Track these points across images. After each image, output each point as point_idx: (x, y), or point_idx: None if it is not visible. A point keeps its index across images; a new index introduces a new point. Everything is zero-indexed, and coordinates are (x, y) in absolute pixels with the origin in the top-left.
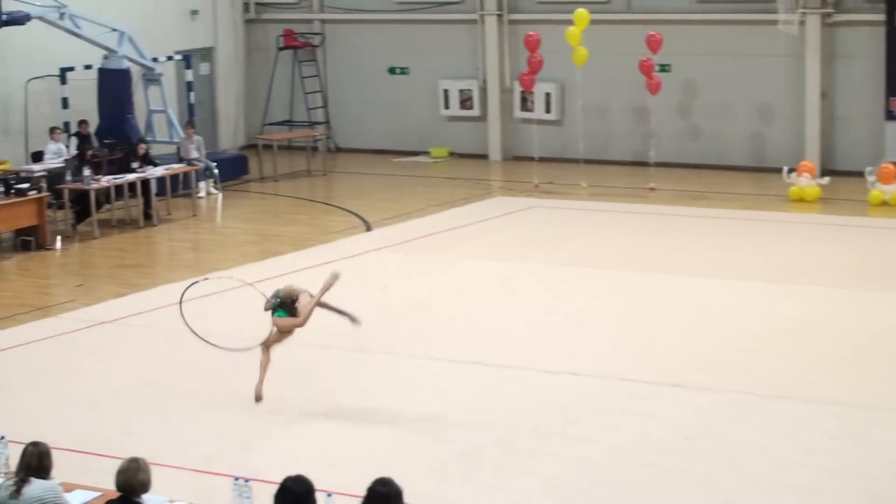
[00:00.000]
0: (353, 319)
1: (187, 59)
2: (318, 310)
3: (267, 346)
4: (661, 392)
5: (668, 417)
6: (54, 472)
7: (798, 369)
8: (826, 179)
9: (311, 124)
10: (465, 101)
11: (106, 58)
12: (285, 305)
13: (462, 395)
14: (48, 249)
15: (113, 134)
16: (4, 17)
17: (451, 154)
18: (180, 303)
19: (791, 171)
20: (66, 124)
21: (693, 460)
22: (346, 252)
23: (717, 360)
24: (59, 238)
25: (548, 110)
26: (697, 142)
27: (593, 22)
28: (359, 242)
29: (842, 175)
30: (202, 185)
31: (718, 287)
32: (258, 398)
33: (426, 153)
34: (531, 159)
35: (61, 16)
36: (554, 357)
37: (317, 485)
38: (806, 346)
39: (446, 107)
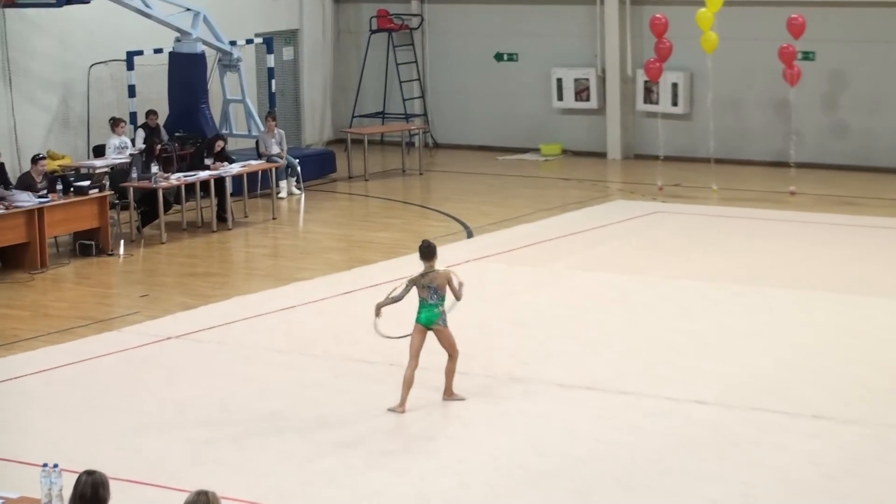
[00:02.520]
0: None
1: (269, 42)
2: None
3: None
4: (799, 424)
5: (807, 453)
6: None
7: None
8: None
9: (407, 117)
10: (581, 92)
11: (178, 41)
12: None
13: (571, 424)
14: (110, 255)
15: (184, 126)
16: None
17: (564, 152)
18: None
19: None
20: (133, 115)
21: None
22: (443, 261)
23: (866, 389)
24: (122, 242)
25: (674, 103)
26: (844, 140)
27: (727, 3)
28: (458, 250)
29: None
30: (283, 184)
31: (868, 305)
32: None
33: (536, 150)
34: (655, 158)
35: None
36: (677, 383)
37: None
38: None
39: (559, 98)
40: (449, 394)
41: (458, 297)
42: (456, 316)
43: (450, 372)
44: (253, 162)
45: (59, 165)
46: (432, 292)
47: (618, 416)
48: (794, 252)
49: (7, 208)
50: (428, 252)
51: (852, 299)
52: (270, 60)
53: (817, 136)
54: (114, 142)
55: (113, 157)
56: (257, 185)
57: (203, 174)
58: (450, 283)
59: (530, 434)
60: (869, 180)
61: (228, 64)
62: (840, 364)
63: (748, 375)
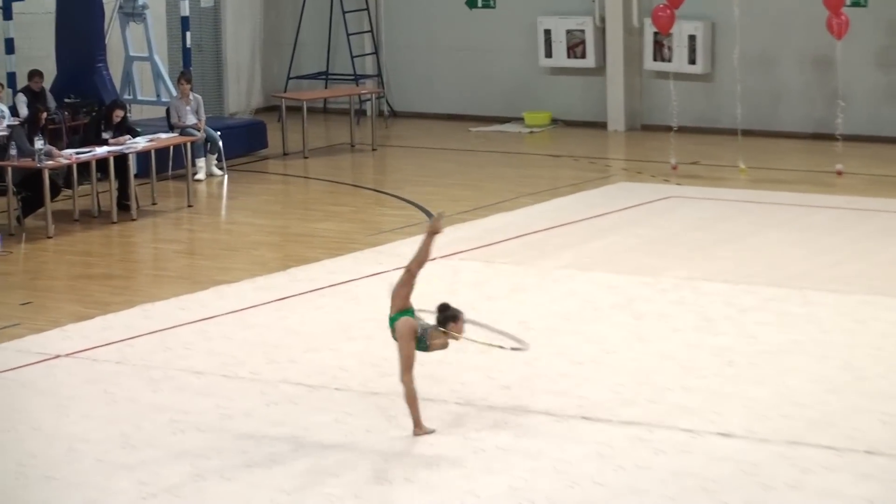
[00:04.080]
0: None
1: None
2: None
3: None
4: (849, 462)
5: (859, 499)
6: None
7: None
8: None
9: (356, 79)
10: (575, 47)
11: None
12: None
13: (564, 465)
14: None
15: (76, 91)
16: None
17: (555, 121)
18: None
19: None
20: (11, 76)
21: None
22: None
23: None
24: None
25: (692, 60)
26: None
27: None
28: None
29: None
30: (201, 162)
31: None
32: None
33: (519, 120)
34: (668, 129)
35: None
36: (696, 411)
37: None
38: None
39: (548, 55)
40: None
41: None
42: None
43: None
44: (163, 135)
45: None
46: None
47: (623, 453)
48: (841, 247)
49: None
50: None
51: None
52: (185, 8)
53: (869, 102)
54: None
55: None
56: (168, 165)
57: (100, 151)
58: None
59: (513, 477)
60: None
61: (131, 12)
62: None
63: (785, 401)
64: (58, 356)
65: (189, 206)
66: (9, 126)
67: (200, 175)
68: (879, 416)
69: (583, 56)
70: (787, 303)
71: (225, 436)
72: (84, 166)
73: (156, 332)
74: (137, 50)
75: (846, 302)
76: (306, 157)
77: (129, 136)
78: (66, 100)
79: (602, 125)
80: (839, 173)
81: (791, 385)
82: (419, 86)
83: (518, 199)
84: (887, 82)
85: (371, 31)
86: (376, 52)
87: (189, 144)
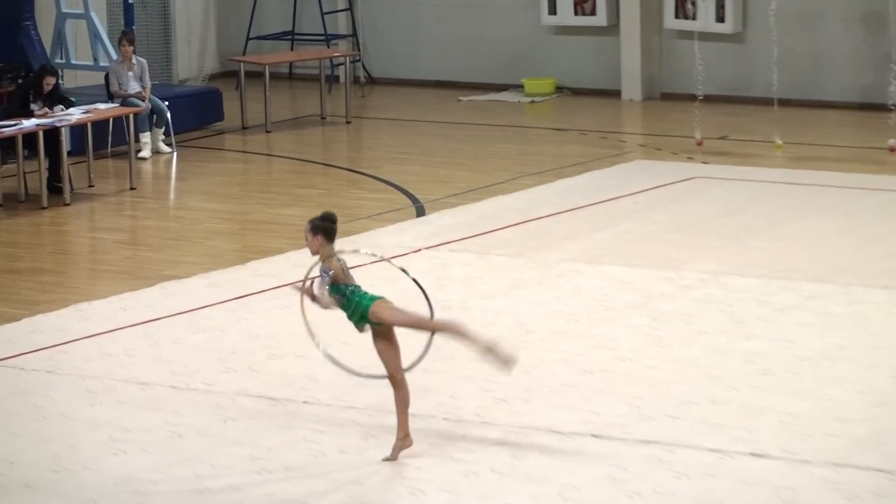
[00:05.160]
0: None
1: None
2: None
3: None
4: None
5: None
6: None
7: None
8: None
9: (328, 40)
10: (584, 2)
11: None
12: None
13: (572, 491)
14: None
15: None
16: None
17: (560, 89)
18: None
19: None
20: None
21: None
22: (383, 250)
23: None
24: None
25: (720, 18)
26: None
27: None
28: (403, 234)
29: None
30: (146, 138)
31: None
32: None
33: (518, 88)
34: (692, 98)
35: None
36: (725, 428)
37: None
38: None
39: (552, 11)
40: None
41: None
42: (400, 330)
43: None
44: (101, 106)
45: None
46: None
47: (639, 477)
48: (894, 236)
49: None
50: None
51: None
52: None
53: None
54: None
55: None
56: (107, 141)
57: (28, 124)
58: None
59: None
60: None
61: None
62: None
63: (829, 417)
64: None
65: (132, 188)
66: None
67: (145, 152)
68: None
69: (593, 13)
70: (830, 301)
71: (174, 457)
72: (9, 142)
73: (93, 335)
74: (71, 5)
75: None
76: (269, 132)
77: (61, 107)
78: None
79: (615, 94)
80: (892, 150)
81: (835, 397)
82: (401, 48)
83: (517, 181)
84: None
85: None
86: (350, 9)
87: (132, 117)
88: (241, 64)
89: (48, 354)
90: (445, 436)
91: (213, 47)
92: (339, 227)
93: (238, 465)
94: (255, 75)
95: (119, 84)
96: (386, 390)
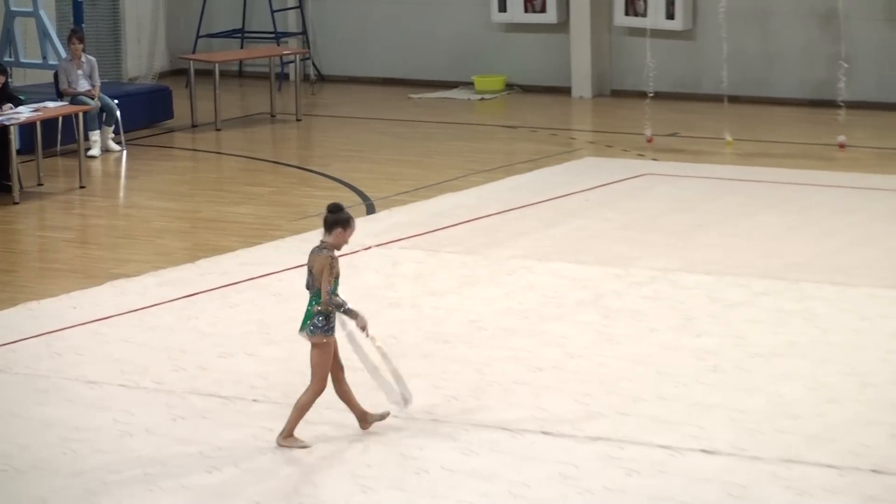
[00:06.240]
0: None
1: None
2: None
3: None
4: (851, 482)
5: None
6: None
7: None
8: None
9: (278, 37)
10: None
11: None
12: None
13: (521, 488)
14: None
15: None
16: None
17: (510, 87)
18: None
19: None
20: None
21: None
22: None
23: None
24: None
25: (670, 15)
26: None
27: None
28: (354, 232)
29: None
30: (96, 136)
31: None
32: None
33: (468, 85)
34: (642, 96)
35: None
36: (676, 424)
37: None
38: None
39: (502, 8)
40: (285, 437)
41: (322, 305)
42: (338, 329)
43: (300, 407)
44: (50, 104)
45: None
46: (309, 278)
47: (590, 474)
48: (844, 232)
49: None
50: (329, 220)
51: None
52: None
53: (877, 64)
54: None
55: None
56: (56, 139)
57: None
58: (322, 274)
59: (462, 502)
60: None
61: None
62: None
63: (779, 413)
64: None
65: (81, 186)
66: None
67: (95, 150)
68: (888, 428)
69: (543, 10)
70: (781, 297)
71: (124, 456)
72: None
73: (42, 334)
74: (20, 3)
75: (850, 296)
76: (219, 130)
77: (10, 105)
78: None
79: (565, 91)
80: (842, 146)
81: (785, 394)
82: (351, 45)
83: (467, 178)
84: None
85: None
86: (301, 6)
87: (81, 115)
88: (191, 62)
89: None
90: (396, 433)
91: (163, 45)
92: (289, 225)
93: (188, 464)
94: (204, 73)
95: (68, 82)
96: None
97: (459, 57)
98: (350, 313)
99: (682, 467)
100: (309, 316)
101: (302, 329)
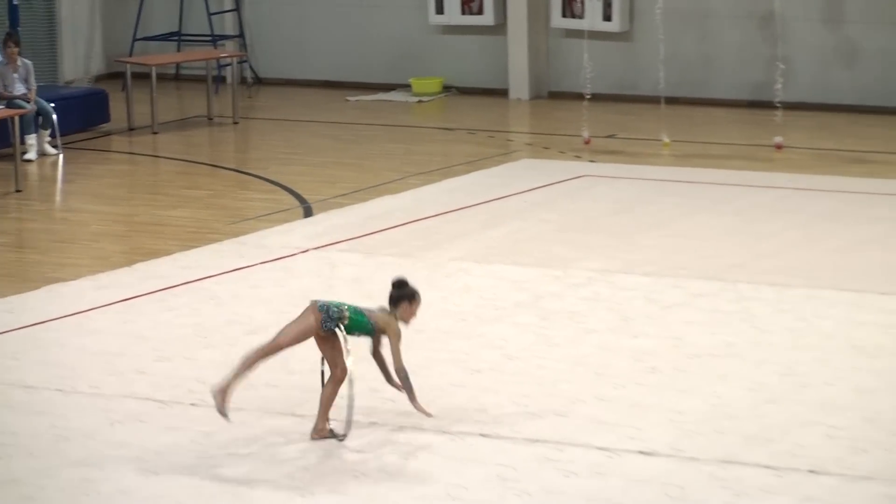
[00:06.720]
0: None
1: None
2: None
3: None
4: (789, 483)
5: None
6: None
7: None
8: None
9: (214, 40)
10: (471, 2)
11: None
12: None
13: (460, 490)
14: None
15: None
16: None
17: (447, 89)
18: None
19: None
20: None
21: None
22: (270, 252)
23: (887, 432)
24: None
25: (607, 16)
26: (854, 70)
27: None
28: (291, 234)
29: None
30: (32, 139)
31: (894, 309)
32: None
33: (405, 87)
34: (579, 97)
35: None
36: (613, 426)
37: None
38: None
39: (439, 10)
40: (319, 431)
41: (397, 370)
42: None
43: (325, 401)
44: None
45: None
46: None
47: (528, 475)
48: (781, 233)
49: None
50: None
51: (869, 301)
52: None
53: (815, 65)
54: None
55: None
56: None
57: None
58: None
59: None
60: (889, 127)
61: None
62: (851, 394)
63: (717, 414)
64: None
65: (17, 190)
66: None
67: (31, 154)
68: (825, 429)
69: (480, 12)
70: (718, 298)
71: (61, 461)
72: None
73: None
74: None
75: (787, 297)
76: (156, 133)
77: None
78: None
79: (503, 93)
80: (779, 147)
81: (723, 395)
82: (288, 48)
83: (405, 180)
84: (834, 41)
85: None
86: (237, 9)
87: (17, 118)
88: (128, 65)
89: None
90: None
91: (100, 48)
92: (226, 228)
93: (126, 468)
94: (141, 76)
95: (4, 86)
96: (273, 392)
97: (397, 59)
98: (410, 387)
99: (621, 469)
100: (364, 327)
101: (374, 333)
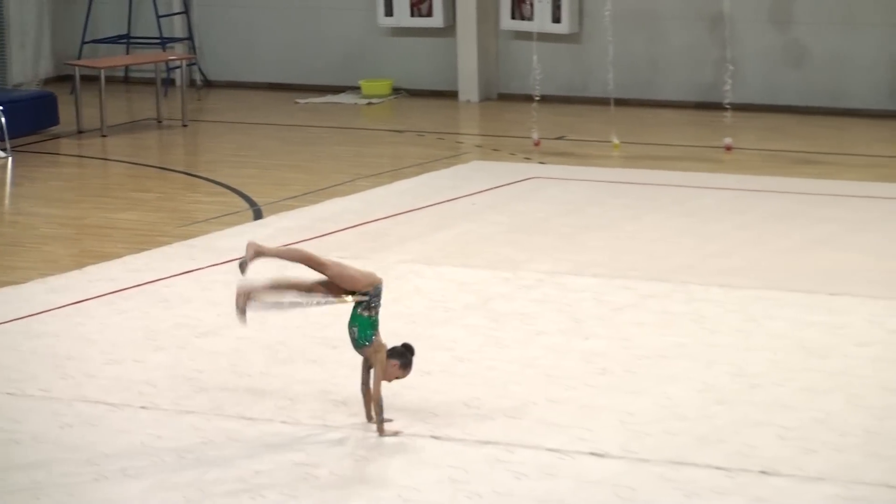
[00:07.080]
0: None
1: None
2: None
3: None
4: (740, 483)
5: None
6: None
7: None
8: None
9: (163, 43)
10: (420, 3)
11: None
12: None
13: (410, 491)
14: None
15: None
16: None
17: (397, 91)
18: None
19: None
20: None
21: None
22: (220, 254)
23: (837, 432)
24: None
25: (556, 18)
26: (803, 71)
27: None
28: (241, 237)
29: None
30: None
31: (842, 310)
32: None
33: (354, 90)
34: (529, 99)
35: None
36: (564, 427)
37: None
38: None
39: (388, 13)
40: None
41: (374, 396)
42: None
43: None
44: None
45: None
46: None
47: (479, 477)
48: (730, 234)
49: None
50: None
51: (819, 301)
52: None
53: (764, 66)
54: None
55: None
56: None
57: None
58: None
59: None
60: (837, 128)
61: None
62: (801, 395)
63: (668, 415)
64: None
65: None
66: None
67: None
68: (776, 430)
69: (429, 14)
70: (668, 300)
71: (11, 464)
72: None
73: None
74: None
75: (736, 298)
76: (105, 136)
77: None
78: None
79: (452, 95)
80: (728, 148)
81: (674, 396)
82: (237, 50)
83: (354, 183)
84: (784, 42)
85: None
86: (186, 11)
87: None
88: (77, 68)
89: None
90: (284, 439)
91: (48, 51)
92: (176, 231)
93: (76, 472)
94: (90, 79)
95: None
96: (222, 394)
97: (346, 61)
98: (381, 419)
99: (572, 470)
100: (364, 333)
101: (360, 346)
